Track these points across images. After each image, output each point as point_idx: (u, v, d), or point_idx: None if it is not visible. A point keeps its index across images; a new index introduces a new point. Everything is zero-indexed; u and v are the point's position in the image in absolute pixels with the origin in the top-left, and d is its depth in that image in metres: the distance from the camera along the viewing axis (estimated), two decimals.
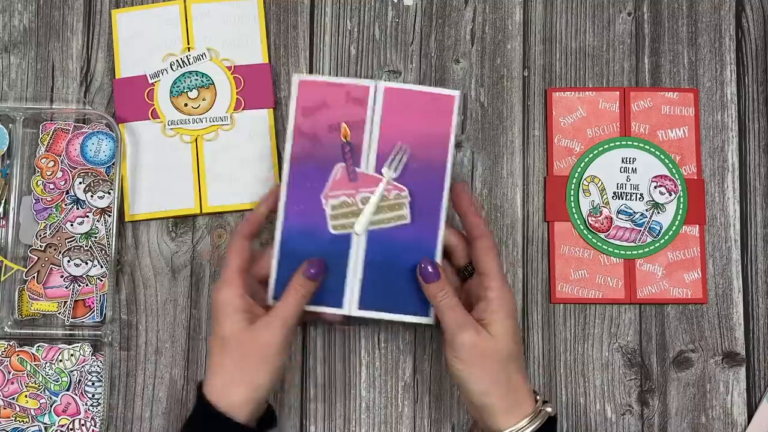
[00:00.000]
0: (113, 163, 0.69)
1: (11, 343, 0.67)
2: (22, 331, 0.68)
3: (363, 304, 0.61)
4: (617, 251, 0.68)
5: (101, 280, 0.68)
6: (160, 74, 0.70)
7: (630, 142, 0.69)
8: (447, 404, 0.68)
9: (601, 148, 0.69)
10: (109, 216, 0.68)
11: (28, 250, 0.68)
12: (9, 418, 0.67)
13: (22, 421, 0.67)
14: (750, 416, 0.68)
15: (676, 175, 0.69)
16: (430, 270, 0.58)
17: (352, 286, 0.61)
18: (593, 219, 0.68)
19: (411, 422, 0.68)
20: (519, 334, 0.59)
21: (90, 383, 0.67)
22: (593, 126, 0.70)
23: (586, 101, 0.70)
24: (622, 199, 0.68)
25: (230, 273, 0.59)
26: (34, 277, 0.68)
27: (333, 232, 0.61)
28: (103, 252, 0.68)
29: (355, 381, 0.68)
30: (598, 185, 0.69)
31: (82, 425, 0.67)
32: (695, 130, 0.70)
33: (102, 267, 0.68)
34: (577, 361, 0.68)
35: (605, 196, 0.68)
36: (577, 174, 0.69)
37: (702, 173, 0.70)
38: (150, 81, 0.70)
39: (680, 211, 0.68)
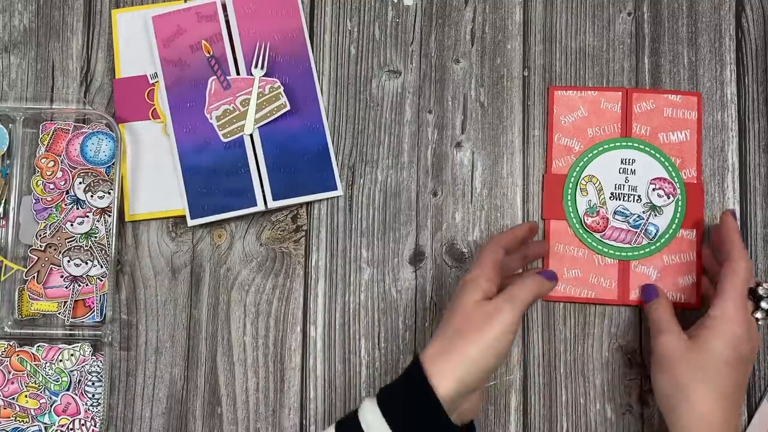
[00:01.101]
0: (113, 163, 0.69)
1: (11, 343, 0.67)
2: (22, 331, 0.68)
3: (276, 196, 0.68)
4: (612, 252, 0.68)
5: (101, 280, 0.68)
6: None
7: (630, 144, 0.69)
8: None
9: (601, 148, 0.69)
10: (109, 216, 0.68)
11: (28, 250, 0.68)
12: (9, 418, 0.67)
13: (22, 421, 0.67)
14: (750, 416, 0.68)
15: (675, 178, 0.68)
16: (645, 291, 0.65)
17: (260, 183, 0.68)
18: (589, 219, 0.68)
19: None
20: (728, 361, 0.57)
21: (90, 383, 0.67)
22: (594, 126, 0.69)
23: (588, 100, 0.70)
24: (620, 200, 0.68)
25: (484, 261, 0.59)
26: (34, 277, 0.68)
27: (225, 140, 0.67)
28: (103, 252, 0.68)
29: (355, 381, 0.68)
30: (596, 185, 0.68)
31: (82, 425, 0.67)
32: (697, 133, 0.69)
33: (102, 267, 0.68)
34: (577, 361, 0.68)
35: (602, 196, 0.68)
36: (575, 173, 0.69)
37: (702, 177, 0.69)
38: (150, 81, 0.70)
39: (678, 215, 0.68)
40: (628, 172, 0.68)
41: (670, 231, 0.67)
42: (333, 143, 0.70)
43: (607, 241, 0.68)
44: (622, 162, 0.68)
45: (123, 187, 0.69)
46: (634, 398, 0.68)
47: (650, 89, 0.70)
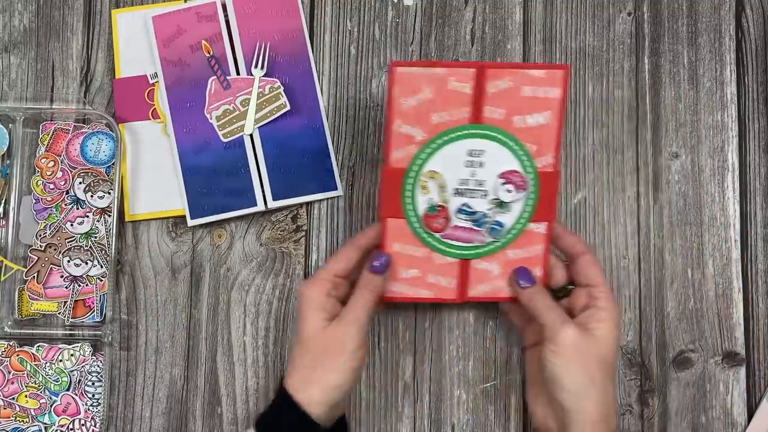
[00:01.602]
0: (113, 163, 0.69)
1: (11, 343, 0.67)
2: (22, 331, 0.68)
3: (276, 196, 0.68)
4: (453, 251, 0.62)
5: (101, 280, 0.68)
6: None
7: (480, 131, 0.60)
8: (447, 404, 0.68)
9: (447, 138, 0.59)
10: (109, 216, 0.68)
11: (28, 250, 0.68)
12: (9, 418, 0.67)
13: (22, 421, 0.67)
14: (750, 416, 0.68)
15: (528, 168, 0.60)
16: (524, 276, 0.61)
17: (260, 183, 0.68)
18: (430, 218, 0.61)
19: (411, 422, 0.68)
20: (618, 350, 0.60)
21: (90, 383, 0.67)
22: (440, 110, 0.59)
23: (434, 80, 0.58)
24: (464, 196, 0.61)
25: (323, 272, 0.59)
26: (34, 277, 0.68)
27: (225, 140, 0.67)
28: (103, 252, 0.68)
29: None
30: (438, 181, 0.60)
31: (82, 425, 0.67)
32: (559, 114, 0.60)
33: (102, 267, 0.68)
34: None
35: (445, 194, 0.60)
36: (416, 167, 0.60)
37: (559, 165, 0.62)
38: (150, 81, 0.70)
39: (527, 209, 0.61)
40: (476, 165, 0.60)
41: (517, 226, 0.62)
42: (333, 143, 0.70)
43: (448, 241, 0.62)
44: (469, 154, 0.60)
45: (123, 187, 0.69)
46: (634, 398, 0.68)
47: (509, 63, 0.64)
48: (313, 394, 0.56)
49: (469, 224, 0.61)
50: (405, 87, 0.58)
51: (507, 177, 0.60)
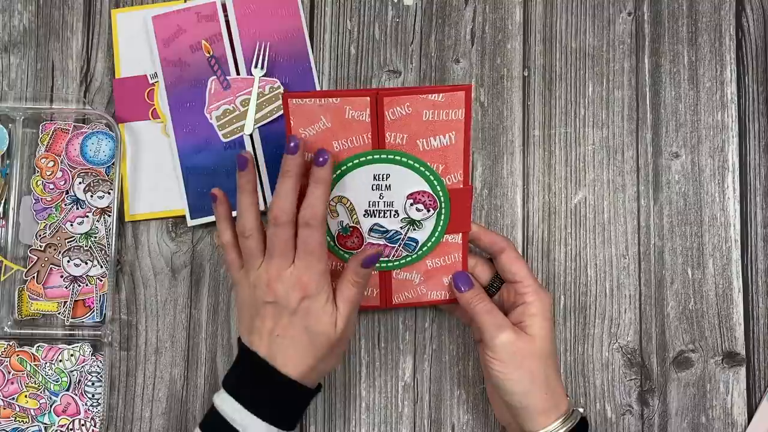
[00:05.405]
0: (113, 163, 0.69)
1: (11, 343, 0.67)
2: (22, 331, 0.68)
3: None
4: None
5: (101, 280, 0.68)
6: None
7: (383, 156, 0.59)
8: (447, 404, 0.68)
9: (350, 164, 0.59)
10: (109, 216, 0.68)
11: (28, 250, 0.68)
12: (9, 418, 0.67)
13: (22, 421, 0.67)
14: (750, 416, 0.68)
15: (438, 187, 0.60)
16: (462, 280, 0.62)
17: (260, 183, 0.67)
18: (344, 239, 0.62)
19: (411, 422, 0.68)
20: (554, 335, 0.61)
21: (90, 383, 0.67)
22: (340, 138, 0.59)
23: (330, 110, 0.58)
24: (375, 216, 0.61)
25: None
26: (34, 277, 0.68)
27: (225, 140, 0.67)
28: (103, 252, 0.68)
29: (355, 381, 0.68)
30: (347, 205, 0.61)
31: (82, 425, 0.67)
32: (465, 134, 0.59)
33: (102, 267, 0.68)
34: (577, 361, 0.68)
35: (355, 216, 0.61)
36: None
37: (470, 180, 0.62)
38: (150, 81, 0.70)
39: (440, 224, 0.62)
40: (383, 189, 0.60)
41: (432, 240, 0.62)
42: None
43: None
44: (374, 178, 0.60)
45: (123, 187, 0.69)
46: (634, 398, 0.68)
47: (405, 89, 0.63)
48: (314, 376, 0.58)
49: (382, 241, 0.62)
50: (301, 118, 0.58)
51: (415, 197, 0.60)
